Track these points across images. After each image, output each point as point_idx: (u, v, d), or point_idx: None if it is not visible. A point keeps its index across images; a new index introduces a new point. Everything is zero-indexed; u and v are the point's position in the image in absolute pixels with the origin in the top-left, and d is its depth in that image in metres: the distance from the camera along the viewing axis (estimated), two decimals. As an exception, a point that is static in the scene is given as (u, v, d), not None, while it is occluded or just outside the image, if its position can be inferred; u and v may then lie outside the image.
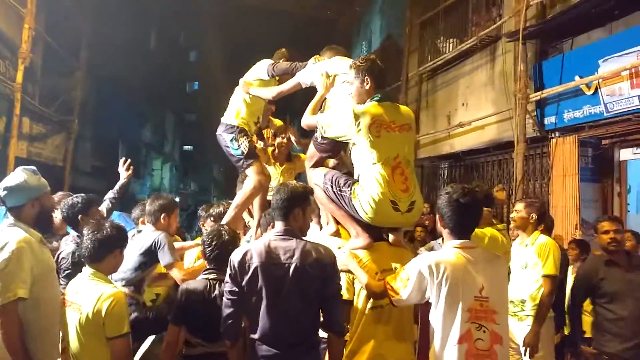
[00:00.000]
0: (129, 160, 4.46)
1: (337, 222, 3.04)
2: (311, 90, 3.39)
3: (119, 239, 2.70)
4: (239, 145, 3.80)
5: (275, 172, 4.64)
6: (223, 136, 3.89)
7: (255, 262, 2.41)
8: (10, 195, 2.65)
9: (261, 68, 3.94)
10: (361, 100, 2.86)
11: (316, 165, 3.14)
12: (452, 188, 2.38)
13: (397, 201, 2.66)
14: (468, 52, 8.43)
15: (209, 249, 2.85)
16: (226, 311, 2.48)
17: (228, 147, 3.86)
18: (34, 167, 2.80)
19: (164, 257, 3.27)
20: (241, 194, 3.91)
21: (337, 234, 3.07)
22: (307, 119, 3.16)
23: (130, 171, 4.40)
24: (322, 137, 2.98)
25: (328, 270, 2.44)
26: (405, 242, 3.60)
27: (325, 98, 3.29)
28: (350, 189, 2.75)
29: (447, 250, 2.36)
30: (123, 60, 14.85)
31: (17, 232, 2.58)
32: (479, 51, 8.24)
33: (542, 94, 6.38)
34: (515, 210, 4.13)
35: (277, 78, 3.89)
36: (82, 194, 3.68)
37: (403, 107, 2.97)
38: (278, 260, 2.42)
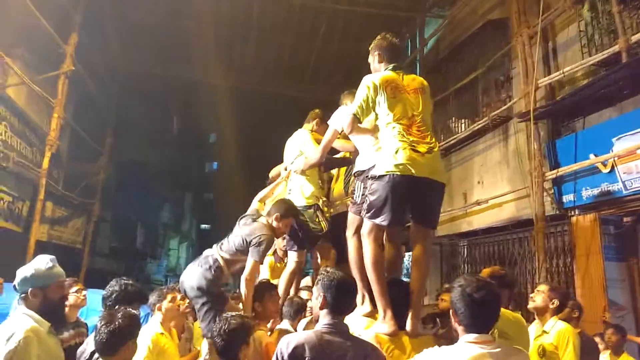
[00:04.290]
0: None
1: (373, 303, 2.98)
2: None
3: (131, 328, 2.62)
4: (319, 222, 4.04)
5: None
6: (300, 212, 4.01)
7: (307, 356, 2.30)
8: (19, 282, 2.65)
9: (300, 140, 4.21)
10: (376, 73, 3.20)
11: (357, 231, 3.17)
12: (465, 280, 2.17)
13: (416, 145, 2.87)
14: (480, 131, 8.56)
15: (218, 339, 2.76)
16: None
17: (307, 222, 4.03)
18: (53, 257, 2.81)
19: (253, 253, 3.48)
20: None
21: (371, 314, 2.98)
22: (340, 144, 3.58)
23: None
24: (362, 196, 3.14)
25: None
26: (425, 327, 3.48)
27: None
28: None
29: (461, 346, 2.10)
30: (145, 144, 15.47)
31: (26, 321, 2.55)
32: (491, 130, 8.37)
33: (558, 172, 6.37)
34: (538, 290, 3.97)
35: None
36: (133, 283, 3.60)
37: (416, 76, 3.27)
38: (331, 357, 2.32)
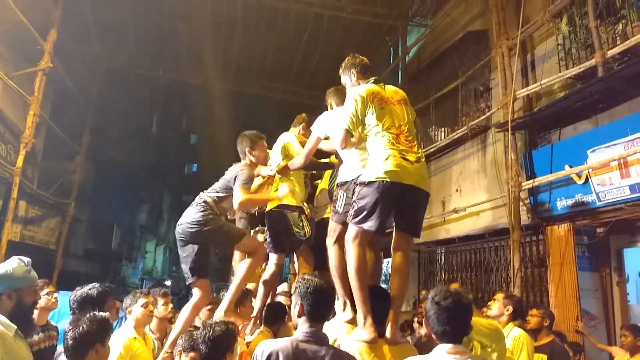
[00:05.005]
0: None
1: (354, 309, 2.96)
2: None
3: (98, 332, 2.54)
4: (303, 227, 4.05)
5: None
6: (285, 214, 4.04)
7: None
8: None
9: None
10: None
11: (338, 240, 3.17)
12: (435, 290, 2.24)
13: (405, 153, 2.93)
14: (459, 140, 8.66)
15: (203, 347, 2.72)
16: None
17: (291, 225, 4.03)
18: (28, 259, 2.73)
19: (238, 181, 3.68)
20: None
21: (352, 321, 2.96)
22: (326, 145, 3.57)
23: None
24: (344, 206, 3.16)
25: None
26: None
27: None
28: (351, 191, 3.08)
29: (435, 357, 2.13)
30: (124, 144, 15.22)
31: None
32: (469, 140, 8.47)
33: (534, 182, 6.47)
34: (495, 299, 4.14)
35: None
36: (96, 284, 3.48)
37: (397, 89, 3.33)
38: None
